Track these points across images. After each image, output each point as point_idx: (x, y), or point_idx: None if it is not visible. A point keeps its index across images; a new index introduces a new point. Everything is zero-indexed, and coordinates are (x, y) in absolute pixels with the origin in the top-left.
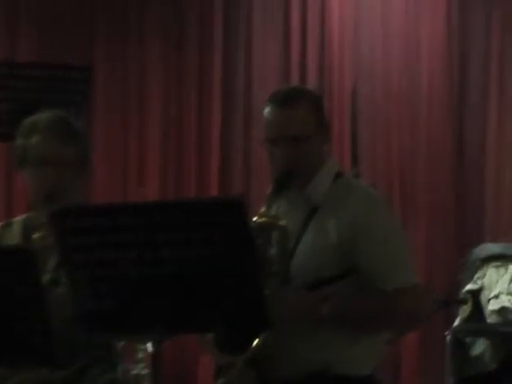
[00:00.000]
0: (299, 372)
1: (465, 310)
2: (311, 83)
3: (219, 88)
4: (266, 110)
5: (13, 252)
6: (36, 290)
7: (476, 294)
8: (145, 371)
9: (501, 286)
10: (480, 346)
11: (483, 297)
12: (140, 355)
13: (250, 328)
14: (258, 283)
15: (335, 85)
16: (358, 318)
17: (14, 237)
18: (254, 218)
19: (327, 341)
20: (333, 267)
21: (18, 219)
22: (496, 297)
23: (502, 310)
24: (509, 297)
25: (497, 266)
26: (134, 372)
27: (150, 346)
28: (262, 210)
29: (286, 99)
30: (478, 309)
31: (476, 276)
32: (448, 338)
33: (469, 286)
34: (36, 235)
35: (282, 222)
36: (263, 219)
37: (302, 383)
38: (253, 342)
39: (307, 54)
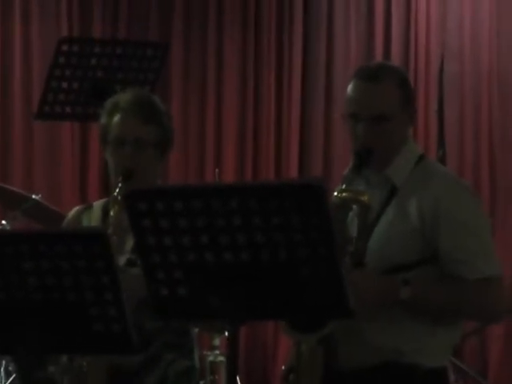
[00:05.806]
0: (370, 360)
1: None
2: (395, 61)
3: (299, 68)
4: (350, 85)
5: (86, 235)
6: (111, 276)
7: None
8: (221, 358)
9: None
10: None
11: None
12: (216, 341)
13: (330, 315)
14: (338, 272)
15: (421, 62)
16: (438, 305)
17: (94, 220)
18: (335, 193)
19: (403, 330)
20: (411, 253)
21: (99, 202)
22: None
23: None
24: None
25: None
26: (210, 359)
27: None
28: (343, 186)
29: (372, 75)
30: None
31: None
32: None
33: None
34: (112, 216)
35: (365, 198)
36: (345, 194)
37: (373, 372)
38: (327, 321)
39: (391, 30)
